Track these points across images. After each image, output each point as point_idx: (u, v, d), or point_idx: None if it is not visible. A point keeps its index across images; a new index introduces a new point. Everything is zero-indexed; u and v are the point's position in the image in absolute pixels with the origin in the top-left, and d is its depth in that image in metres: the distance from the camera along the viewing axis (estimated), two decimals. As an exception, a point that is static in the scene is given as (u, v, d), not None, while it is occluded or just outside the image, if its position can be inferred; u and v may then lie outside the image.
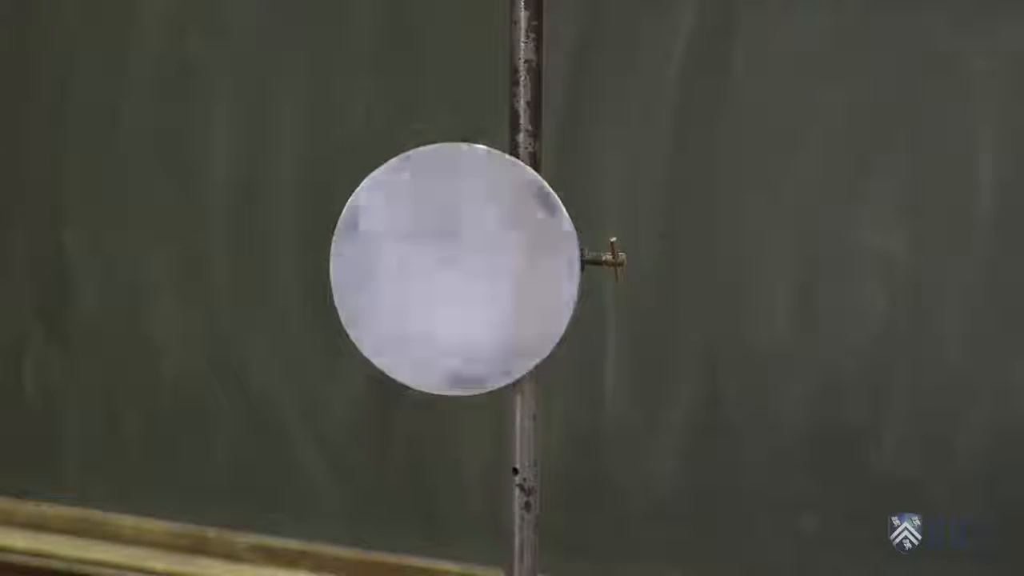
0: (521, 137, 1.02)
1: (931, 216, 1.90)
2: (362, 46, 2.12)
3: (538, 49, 1.02)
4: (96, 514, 2.33)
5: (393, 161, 1.01)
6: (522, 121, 1.02)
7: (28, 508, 2.37)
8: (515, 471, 1.04)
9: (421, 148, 1.01)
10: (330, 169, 2.09)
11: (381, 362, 1.02)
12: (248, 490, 2.26)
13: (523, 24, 1.01)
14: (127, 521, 2.31)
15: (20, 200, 2.34)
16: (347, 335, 1.03)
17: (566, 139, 1.95)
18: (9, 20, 2.30)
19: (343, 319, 1.02)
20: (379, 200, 1.01)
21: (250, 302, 2.24)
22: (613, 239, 1.02)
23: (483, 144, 1.01)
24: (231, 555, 2.25)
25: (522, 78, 1.02)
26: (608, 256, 1.02)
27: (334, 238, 1.02)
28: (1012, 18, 1.83)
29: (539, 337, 1.00)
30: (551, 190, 1.00)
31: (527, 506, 1.04)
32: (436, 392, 1.02)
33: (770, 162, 1.95)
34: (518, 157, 1.02)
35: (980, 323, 1.89)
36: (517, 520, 1.05)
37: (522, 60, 1.02)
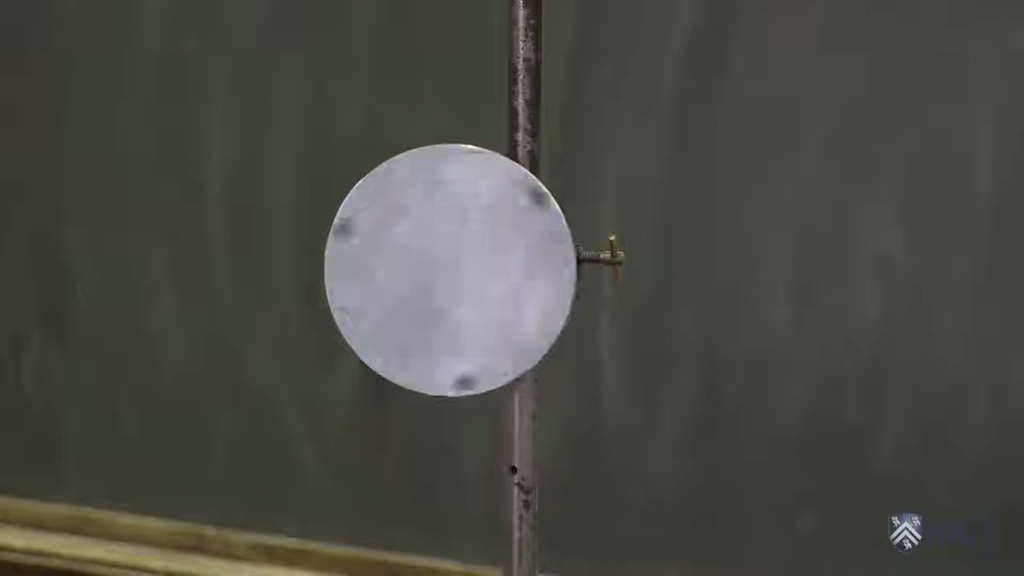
0: (520, 136, 1.02)
1: (931, 216, 1.90)
2: (362, 46, 2.12)
3: (536, 48, 1.02)
4: (95, 513, 2.33)
5: (383, 165, 1.01)
6: (521, 120, 1.02)
7: (27, 507, 2.37)
8: (513, 469, 1.04)
9: (411, 151, 1.01)
10: (330, 169, 2.09)
11: (379, 366, 1.02)
12: (247, 489, 2.26)
13: (521, 23, 1.01)
14: (126, 520, 2.32)
15: (20, 200, 2.34)
16: (345, 339, 1.03)
17: (565, 138, 1.95)
18: (9, 20, 2.30)
19: (340, 325, 1.02)
20: (372, 203, 1.01)
21: (250, 302, 2.24)
22: (612, 237, 1.02)
23: (479, 144, 1.01)
24: (230, 554, 2.25)
25: (520, 77, 1.02)
26: (607, 255, 1.02)
27: (327, 247, 1.02)
28: (1012, 18, 1.83)
29: (537, 336, 1.00)
30: (546, 190, 0.99)
31: (526, 505, 1.04)
32: (434, 394, 1.02)
33: (770, 162, 1.95)
34: (516, 156, 1.02)
35: (980, 323, 1.89)
36: (516, 519, 1.05)
37: (520, 59, 1.02)
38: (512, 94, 1.02)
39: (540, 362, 1.01)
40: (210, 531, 2.27)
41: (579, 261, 0.99)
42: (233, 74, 2.19)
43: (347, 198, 1.01)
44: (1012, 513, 1.89)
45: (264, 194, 2.20)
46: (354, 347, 1.01)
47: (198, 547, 2.27)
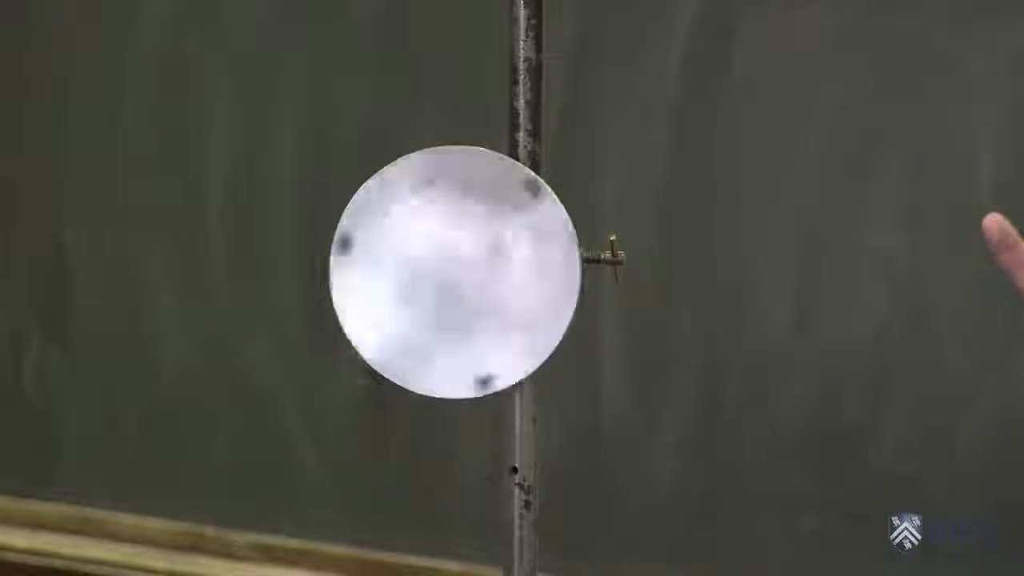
0: (520, 136, 1.02)
1: (931, 216, 1.89)
2: (362, 46, 2.12)
3: (537, 48, 1.02)
4: (95, 513, 2.33)
5: (388, 167, 1.01)
6: (521, 120, 1.02)
7: (27, 507, 2.37)
8: (514, 470, 1.04)
9: (415, 152, 1.01)
10: (330, 169, 2.09)
11: (381, 366, 1.02)
12: (247, 489, 2.26)
13: (522, 23, 1.01)
14: (126, 520, 2.31)
15: (20, 200, 2.34)
16: (346, 338, 1.03)
17: (566, 138, 1.95)
18: (9, 20, 2.30)
19: (343, 322, 1.02)
20: (375, 203, 1.01)
21: (250, 302, 2.24)
22: (613, 237, 1.01)
23: (481, 144, 1.01)
24: (230, 554, 2.25)
25: (521, 77, 1.02)
26: (607, 255, 1.02)
27: (333, 248, 1.02)
28: (1012, 18, 1.83)
29: (538, 336, 1.00)
30: (549, 188, 0.99)
31: (527, 505, 1.04)
32: (435, 395, 1.02)
33: (770, 162, 1.95)
34: (517, 156, 1.01)
35: (980, 323, 1.89)
36: (516, 519, 1.05)
37: (521, 59, 1.02)
38: (512, 94, 1.02)
39: (542, 364, 1.01)
40: (210, 531, 2.27)
41: (581, 261, 0.99)
42: (233, 74, 2.19)
43: (345, 212, 1.00)
44: (1013, 513, 1.89)
45: (264, 194, 2.20)
46: (355, 344, 1.01)
47: (198, 547, 2.27)
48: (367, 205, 1.00)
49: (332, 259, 1.00)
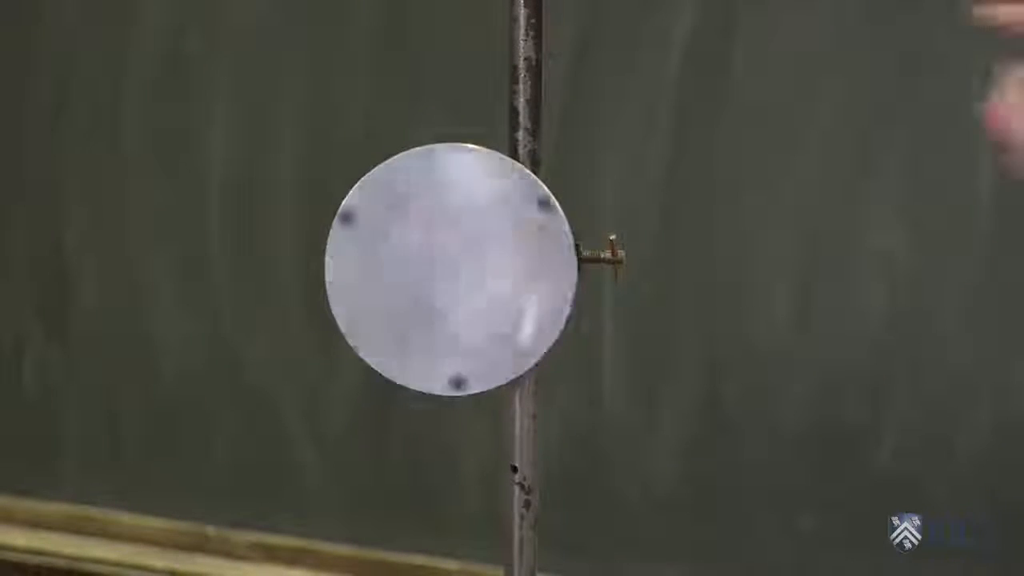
0: (520, 135, 1.02)
1: (931, 216, 1.90)
2: (362, 46, 2.12)
3: (537, 47, 1.02)
4: (95, 512, 2.33)
5: (387, 162, 1.01)
6: (521, 119, 1.02)
7: (28, 506, 2.37)
8: (514, 469, 1.04)
9: (415, 148, 1.01)
10: (330, 169, 2.09)
11: (379, 364, 1.02)
12: (247, 488, 2.26)
13: (522, 22, 1.01)
14: (126, 519, 2.31)
15: (20, 200, 2.34)
16: (344, 336, 1.03)
17: (566, 138, 1.95)
18: (9, 20, 2.30)
19: (340, 323, 1.02)
20: (373, 202, 1.01)
21: (250, 302, 2.24)
22: (612, 237, 1.01)
23: (481, 143, 1.01)
24: (230, 553, 2.25)
25: (521, 76, 1.02)
26: (607, 254, 1.01)
27: (328, 242, 1.02)
28: (1012, 18, 1.83)
29: (538, 336, 1.00)
30: (547, 189, 0.99)
31: (527, 504, 1.04)
32: (434, 393, 1.02)
33: (770, 162, 1.95)
34: (517, 155, 1.01)
35: (980, 323, 1.89)
36: (516, 518, 1.04)
37: (521, 58, 1.01)
38: (513, 93, 1.02)
39: (541, 362, 1.01)
40: (211, 530, 2.27)
41: (579, 261, 0.99)
42: (233, 74, 2.19)
43: (352, 191, 1.00)
44: (1012, 513, 1.89)
45: (264, 194, 2.20)
46: (352, 342, 1.01)
47: (199, 546, 2.27)
48: (375, 186, 1.00)
49: (335, 228, 1.00)
